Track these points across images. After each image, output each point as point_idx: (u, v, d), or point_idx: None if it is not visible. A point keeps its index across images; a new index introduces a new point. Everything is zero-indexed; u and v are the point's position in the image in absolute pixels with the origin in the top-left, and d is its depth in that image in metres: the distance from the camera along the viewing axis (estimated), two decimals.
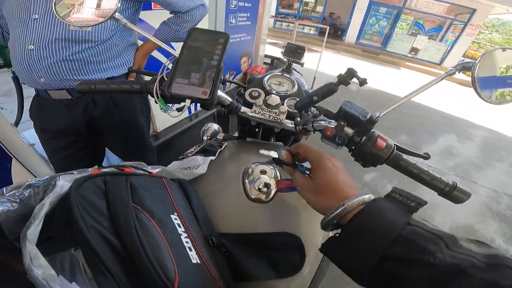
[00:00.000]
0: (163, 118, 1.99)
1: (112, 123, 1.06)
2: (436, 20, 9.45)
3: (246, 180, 0.59)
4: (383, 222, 0.33)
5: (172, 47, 0.74)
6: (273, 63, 3.42)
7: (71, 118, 0.99)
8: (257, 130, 0.80)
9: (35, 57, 0.86)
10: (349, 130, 0.55)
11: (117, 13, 0.59)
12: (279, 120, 0.68)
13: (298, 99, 0.71)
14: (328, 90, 0.60)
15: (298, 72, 1.05)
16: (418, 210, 0.35)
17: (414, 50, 9.67)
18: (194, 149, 0.72)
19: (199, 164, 0.60)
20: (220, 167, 0.63)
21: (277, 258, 0.49)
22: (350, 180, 0.41)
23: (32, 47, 0.86)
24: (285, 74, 0.82)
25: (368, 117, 0.54)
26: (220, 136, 0.82)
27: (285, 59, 1.02)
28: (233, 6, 2.20)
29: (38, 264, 0.29)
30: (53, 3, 0.60)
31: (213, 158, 0.63)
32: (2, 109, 1.17)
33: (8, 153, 1.22)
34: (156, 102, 0.59)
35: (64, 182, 0.36)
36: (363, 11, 9.77)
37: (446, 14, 9.14)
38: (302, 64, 0.97)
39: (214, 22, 2.11)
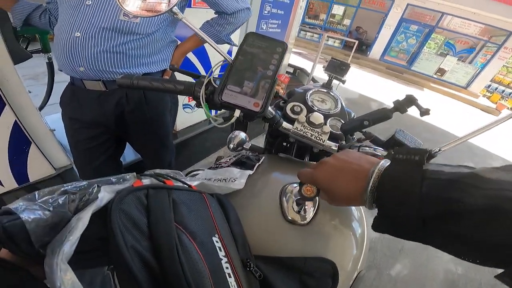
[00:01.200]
0: (183, 117, 1.97)
1: (141, 119, 1.04)
2: (469, 41, 9.12)
3: (284, 199, 0.56)
4: (399, 190, 0.32)
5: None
6: (295, 73, 3.40)
7: (102, 110, 0.98)
8: (288, 145, 0.76)
9: (79, 45, 0.86)
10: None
11: (175, 7, 0.56)
12: (321, 141, 0.64)
13: (342, 121, 0.68)
14: (381, 116, 0.57)
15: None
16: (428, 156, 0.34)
17: (441, 71, 9.35)
18: (229, 159, 0.69)
19: (236, 177, 0.56)
20: (256, 182, 0.60)
21: (311, 283, 0.47)
22: (362, 157, 0.40)
23: (79, 34, 0.85)
24: (329, 92, 0.79)
25: (428, 153, 0.50)
26: (247, 145, 0.79)
27: (326, 74, 0.97)
28: (266, 12, 2.18)
29: (68, 281, 0.25)
30: None
31: (251, 172, 0.59)
32: (30, 92, 1.17)
33: (28, 137, 1.23)
34: (198, 107, 0.56)
35: (104, 194, 0.32)
36: (392, 27, 9.59)
37: (480, 35, 8.82)
38: (343, 82, 0.92)
39: (245, 26, 2.09)
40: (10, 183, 1.30)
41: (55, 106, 1.24)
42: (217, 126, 0.54)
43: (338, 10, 10.82)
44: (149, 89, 0.60)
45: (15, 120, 1.16)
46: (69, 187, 0.34)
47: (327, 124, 0.67)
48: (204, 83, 0.55)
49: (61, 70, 0.95)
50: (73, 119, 1.04)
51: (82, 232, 0.28)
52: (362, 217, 0.59)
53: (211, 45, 0.61)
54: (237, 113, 0.51)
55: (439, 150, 0.49)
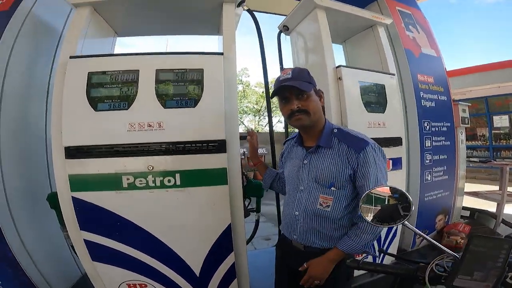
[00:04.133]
0: None
1: None
2: None
3: None
4: None
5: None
6: (474, 216, 2.90)
7: (297, 262, 1.19)
8: None
9: (296, 221, 1.20)
10: None
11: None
12: None
13: None
14: None
15: None
16: None
17: None
18: None
19: None
20: None
21: None
22: None
23: (297, 213, 1.19)
24: None
25: None
26: None
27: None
28: (428, 161, 2.24)
29: None
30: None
31: None
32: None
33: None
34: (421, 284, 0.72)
35: None
36: None
37: None
38: None
39: (406, 181, 2.16)
40: None
41: None
42: None
43: (501, 121, 8.77)
44: (374, 271, 0.83)
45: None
46: None
47: None
48: (428, 271, 0.72)
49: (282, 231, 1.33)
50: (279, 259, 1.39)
51: None
52: None
53: (429, 241, 0.81)
54: None
55: None
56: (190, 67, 1.55)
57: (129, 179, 1.49)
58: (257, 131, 13.97)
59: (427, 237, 0.83)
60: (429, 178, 2.28)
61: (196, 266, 1.65)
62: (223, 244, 1.61)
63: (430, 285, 0.73)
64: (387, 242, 2.07)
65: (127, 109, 1.48)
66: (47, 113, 1.98)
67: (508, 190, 3.00)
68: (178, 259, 1.62)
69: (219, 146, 1.52)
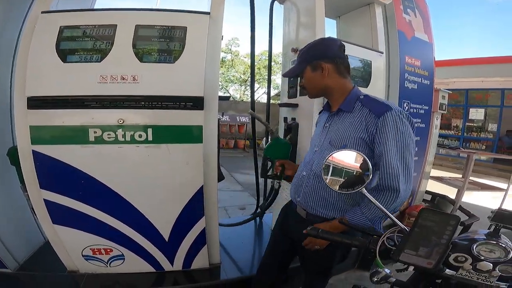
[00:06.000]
0: None
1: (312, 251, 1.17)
2: None
3: None
4: None
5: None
6: (435, 200, 3.09)
7: (298, 230, 1.11)
8: (441, 281, 0.76)
9: (303, 181, 1.16)
10: None
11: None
12: (489, 282, 0.66)
13: None
14: None
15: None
16: None
17: None
18: None
19: None
20: None
21: None
22: None
23: (305, 173, 1.16)
24: (499, 243, 0.75)
25: None
26: (391, 280, 0.82)
27: (491, 224, 0.95)
28: None
29: None
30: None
31: None
32: None
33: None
34: (373, 258, 0.74)
35: None
36: None
37: None
38: None
39: None
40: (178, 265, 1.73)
41: None
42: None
43: (476, 114, 9.28)
44: (331, 241, 0.82)
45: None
46: None
47: (496, 269, 0.67)
48: (379, 244, 0.74)
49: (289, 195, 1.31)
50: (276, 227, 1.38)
51: None
52: None
53: (384, 212, 0.80)
54: (410, 268, 0.65)
55: None
56: (173, 24, 1.47)
57: (96, 132, 1.41)
58: (242, 100, 13.88)
59: (377, 203, 0.82)
60: None
61: (165, 231, 1.64)
62: (195, 208, 1.60)
63: (381, 258, 0.74)
64: None
65: (99, 62, 1.39)
66: (13, 68, 1.80)
67: (470, 179, 3.19)
68: (146, 222, 1.60)
69: (196, 103, 1.47)
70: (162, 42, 1.46)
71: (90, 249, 1.62)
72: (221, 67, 15.36)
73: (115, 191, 1.51)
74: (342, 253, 1.24)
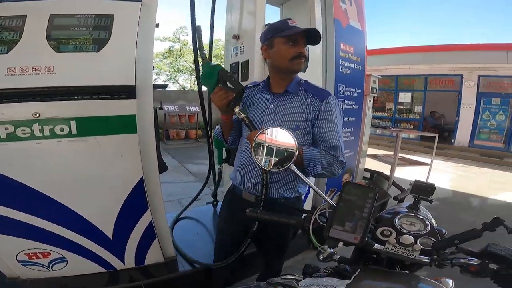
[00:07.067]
0: None
1: (268, 232, 1.27)
2: None
3: None
4: None
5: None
6: (373, 177, 3.33)
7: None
8: (377, 257, 0.80)
9: (253, 166, 1.18)
10: (493, 266, 0.58)
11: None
12: (413, 256, 0.70)
13: (433, 240, 0.73)
14: (471, 236, 0.63)
15: (423, 208, 1.04)
16: None
17: None
18: (327, 270, 0.78)
19: (336, 285, 0.65)
20: None
21: None
22: None
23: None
24: (417, 215, 0.83)
25: None
26: (336, 257, 0.89)
27: (411, 196, 0.98)
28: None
29: None
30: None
31: (348, 281, 0.66)
32: None
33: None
34: (307, 235, 0.77)
35: None
36: (472, 106, 8.32)
37: None
38: (431, 202, 0.95)
39: None
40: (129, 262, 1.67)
41: None
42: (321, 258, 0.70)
43: (405, 97, 10.50)
44: (269, 221, 0.84)
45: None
46: None
47: (418, 243, 0.71)
48: (312, 221, 0.76)
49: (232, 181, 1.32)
50: (223, 216, 1.41)
51: None
52: None
53: (313, 188, 0.86)
54: (340, 244, 0.67)
55: None
56: (97, 12, 1.37)
57: (8, 128, 1.25)
58: (192, 90, 13.41)
59: (309, 182, 0.88)
60: None
61: (107, 228, 1.54)
62: (136, 201, 1.52)
63: (315, 235, 0.76)
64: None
65: (6, 53, 1.25)
66: None
67: (400, 155, 3.49)
68: (83, 222, 1.48)
69: (127, 92, 1.38)
70: (84, 31, 1.36)
71: (25, 254, 1.47)
72: (169, 57, 14.45)
73: (40, 192, 1.35)
74: (294, 231, 1.36)
